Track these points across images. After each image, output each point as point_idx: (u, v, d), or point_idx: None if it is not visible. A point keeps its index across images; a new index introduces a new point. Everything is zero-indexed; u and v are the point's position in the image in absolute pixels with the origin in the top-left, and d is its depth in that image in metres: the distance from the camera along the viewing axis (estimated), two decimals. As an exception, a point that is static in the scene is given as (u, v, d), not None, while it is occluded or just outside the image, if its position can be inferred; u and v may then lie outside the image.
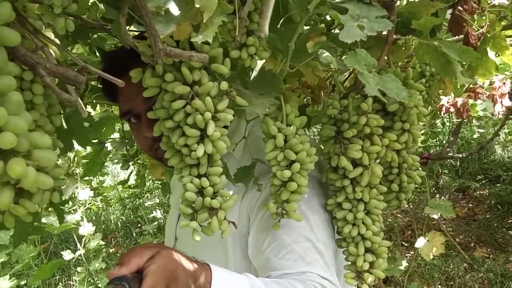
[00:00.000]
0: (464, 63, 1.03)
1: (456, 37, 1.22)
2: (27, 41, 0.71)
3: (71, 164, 3.09)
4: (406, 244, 5.02)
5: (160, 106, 0.80)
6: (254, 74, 0.90)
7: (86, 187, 3.25)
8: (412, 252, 4.70)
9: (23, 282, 3.35)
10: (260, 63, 0.90)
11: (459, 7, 1.16)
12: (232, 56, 0.81)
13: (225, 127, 0.88)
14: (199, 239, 0.80)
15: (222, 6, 0.67)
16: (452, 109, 2.40)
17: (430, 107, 1.95)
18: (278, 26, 0.90)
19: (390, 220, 5.62)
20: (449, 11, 1.17)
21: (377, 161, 0.99)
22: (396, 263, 3.51)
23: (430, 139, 6.39)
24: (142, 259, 0.77)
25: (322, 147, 0.99)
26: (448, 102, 2.39)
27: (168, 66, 0.79)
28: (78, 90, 1.09)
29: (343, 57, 0.81)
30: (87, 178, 3.74)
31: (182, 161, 0.81)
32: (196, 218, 0.80)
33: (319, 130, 1.03)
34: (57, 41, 0.78)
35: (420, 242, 2.84)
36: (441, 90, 1.98)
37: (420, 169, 1.09)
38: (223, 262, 1.07)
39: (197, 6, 0.65)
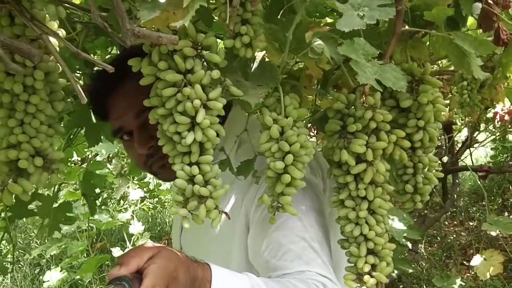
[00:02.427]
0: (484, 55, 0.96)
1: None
2: (28, 29, 0.76)
3: (124, 165, 3.23)
4: (466, 264, 4.74)
5: (154, 94, 0.82)
6: (255, 65, 0.90)
7: (138, 188, 3.37)
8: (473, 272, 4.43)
9: (78, 277, 3.52)
10: (261, 54, 0.90)
11: (489, 1, 1.10)
12: (226, 45, 0.81)
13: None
14: (188, 226, 0.80)
15: (202, -8, 0.67)
16: (507, 117, 2.26)
17: (475, 112, 1.84)
18: (279, 16, 0.89)
19: (451, 238, 5.33)
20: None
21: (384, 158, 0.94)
22: (449, 281, 3.33)
23: (500, 154, 6.03)
24: (142, 259, 0.77)
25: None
26: (502, 110, 2.25)
27: (164, 55, 0.81)
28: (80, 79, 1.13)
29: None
30: (145, 180, 3.89)
31: (175, 149, 0.82)
32: (186, 205, 0.81)
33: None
34: (63, 31, 0.83)
35: (476, 260, 2.68)
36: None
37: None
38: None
39: (177, -9, 0.67)
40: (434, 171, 1.04)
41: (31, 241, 3.56)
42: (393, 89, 1.02)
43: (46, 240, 3.21)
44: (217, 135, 0.81)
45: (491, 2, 1.10)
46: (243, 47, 0.81)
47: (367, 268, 0.89)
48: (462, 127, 3.71)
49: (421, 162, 1.01)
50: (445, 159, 3.56)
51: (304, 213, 1.00)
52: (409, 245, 2.05)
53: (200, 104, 0.78)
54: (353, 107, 0.94)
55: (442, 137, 3.69)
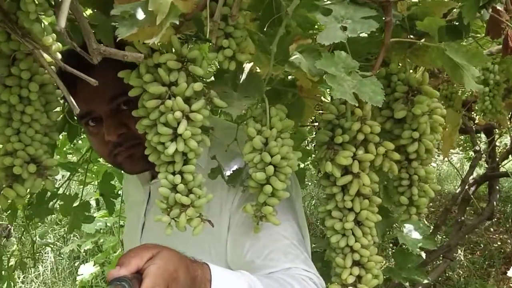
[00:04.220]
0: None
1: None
2: (23, 44, 0.81)
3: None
4: None
5: (141, 105, 0.85)
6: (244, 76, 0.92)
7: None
8: (512, 283, 4.23)
9: (114, 270, 3.65)
10: (249, 65, 0.92)
11: (498, 7, 1.06)
12: (209, 58, 0.83)
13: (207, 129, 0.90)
14: (170, 233, 0.83)
15: (175, 9, 0.70)
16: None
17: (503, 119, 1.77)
18: (267, 28, 0.90)
19: (495, 246, 5.11)
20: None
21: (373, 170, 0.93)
22: (485, 291, 3.22)
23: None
24: (141, 260, 0.78)
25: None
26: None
27: (151, 68, 0.84)
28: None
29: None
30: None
31: (159, 158, 0.85)
32: (169, 213, 0.84)
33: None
34: (59, 45, 0.88)
35: (514, 271, 2.59)
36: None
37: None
38: None
39: (150, 9, 0.69)
40: (431, 183, 1.02)
41: (69, 235, 3.74)
42: (390, 99, 1.02)
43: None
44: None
45: (500, 9, 1.06)
46: (226, 60, 0.83)
47: (351, 280, 0.89)
48: (504, 131, 3.55)
49: (417, 174, 0.99)
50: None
51: (283, 214, 1.02)
52: (423, 254, 1.98)
53: (182, 115, 0.81)
54: (344, 118, 0.94)
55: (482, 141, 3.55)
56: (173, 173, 0.84)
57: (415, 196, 1.00)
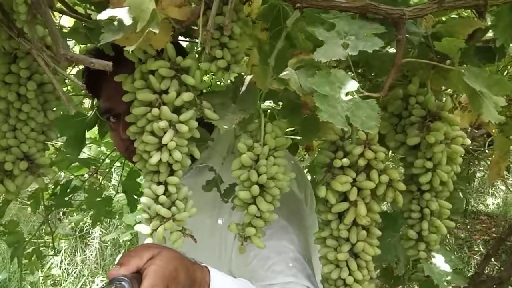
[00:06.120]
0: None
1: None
2: (22, 44, 0.82)
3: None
4: None
5: (132, 110, 0.84)
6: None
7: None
8: None
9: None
10: (249, 77, 0.87)
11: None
12: (202, 69, 0.80)
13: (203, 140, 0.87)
14: (151, 242, 0.81)
15: (156, 17, 0.67)
16: None
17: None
18: (272, 40, 0.86)
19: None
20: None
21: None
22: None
23: None
24: (141, 260, 0.78)
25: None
26: None
27: (146, 74, 0.82)
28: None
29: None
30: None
31: (145, 167, 0.83)
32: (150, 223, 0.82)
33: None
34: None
35: None
36: None
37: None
38: None
39: (132, 16, 0.67)
40: (445, 219, 0.92)
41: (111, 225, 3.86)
42: (405, 123, 0.94)
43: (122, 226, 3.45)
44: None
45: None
46: (220, 71, 0.79)
47: (339, 316, 0.82)
48: None
49: (429, 207, 0.91)
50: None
51: (292, 228, 1.03)
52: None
53: (168, 125, 0.78)
54: (348, 140, 0.87)
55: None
56: (158, 183, 0.82)
57: (425, 231, 0.91)
